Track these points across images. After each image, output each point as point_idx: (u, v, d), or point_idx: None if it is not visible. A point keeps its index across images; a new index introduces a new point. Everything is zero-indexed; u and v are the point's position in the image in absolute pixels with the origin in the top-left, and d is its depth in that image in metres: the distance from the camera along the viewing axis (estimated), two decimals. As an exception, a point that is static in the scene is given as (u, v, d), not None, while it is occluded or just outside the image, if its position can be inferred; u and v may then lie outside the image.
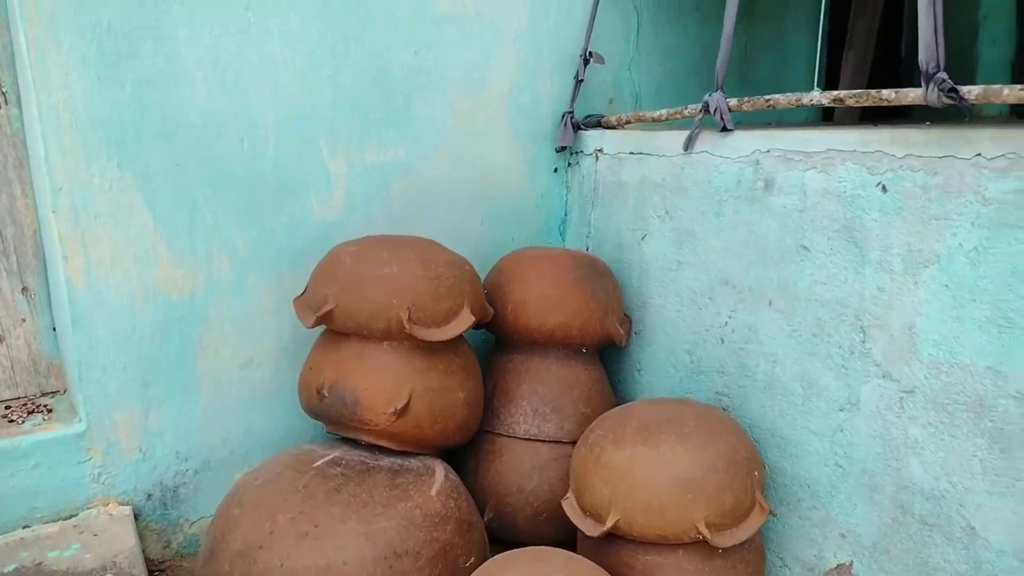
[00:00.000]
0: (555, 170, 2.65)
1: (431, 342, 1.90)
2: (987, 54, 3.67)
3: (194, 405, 2.11)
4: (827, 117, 3.55)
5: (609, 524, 1.75)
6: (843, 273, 1.77)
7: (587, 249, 2.62)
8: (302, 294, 2.04)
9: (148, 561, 2.10)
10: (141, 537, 2.09)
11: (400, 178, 2.34)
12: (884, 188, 1.68)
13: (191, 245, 2.05)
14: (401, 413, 1.89)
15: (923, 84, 1.57)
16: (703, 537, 1.70)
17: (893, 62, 3.76)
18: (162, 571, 2.09)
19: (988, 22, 3.69)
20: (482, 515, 2.13)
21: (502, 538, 2.21)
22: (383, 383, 1.89)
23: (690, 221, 2.18)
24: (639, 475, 1.74)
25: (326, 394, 1.92)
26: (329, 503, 1.75)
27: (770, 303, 1.96)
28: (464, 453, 2.23)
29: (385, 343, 1.92)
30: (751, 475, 1.79)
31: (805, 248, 1.86)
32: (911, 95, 1.62)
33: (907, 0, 3.75)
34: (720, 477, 1.73)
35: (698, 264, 2.16)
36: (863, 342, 1.75)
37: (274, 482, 1.82)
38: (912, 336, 1.64)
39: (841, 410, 1.81)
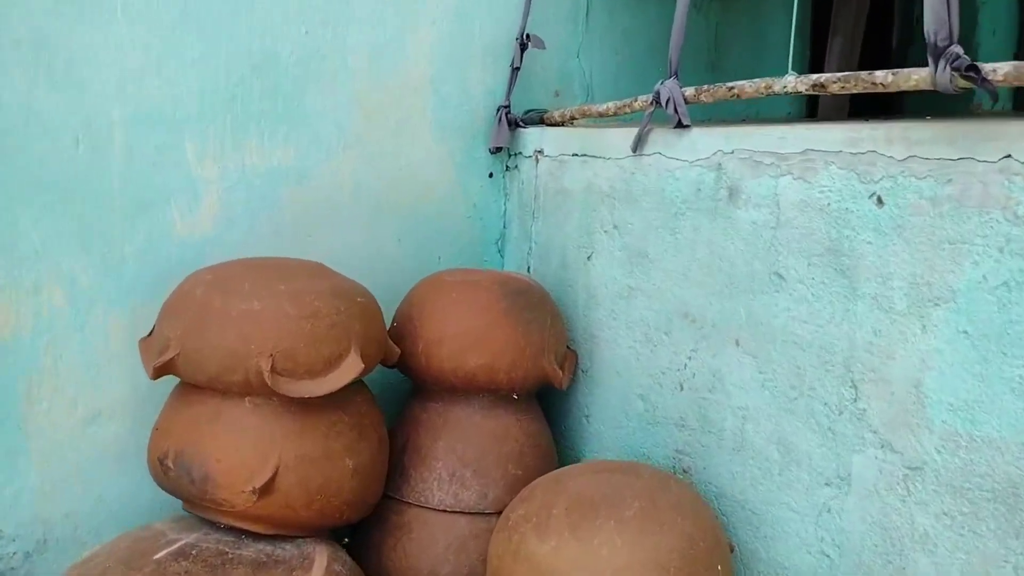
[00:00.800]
0: (490, 175, 2.24)
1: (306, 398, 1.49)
2: (988, 42, 3.29)
3: (23, 472, 1.69)
4: (811, 115, 3.15)
5: (529, 640, 1.34)
6: (828, 310, 1.37)
7: (528, 269, 2.21)
8: (149, 334, 1.63)
9: (-34, 669, 1.68)
10: (-44, 639, 1.66)
11: (291, 185, 1.92)
12: (880, 200, 1.27)
13: (11, 275, 1.63)
14: (264, 491, 1.47)
15: (931, 62, 1.17)
16: (647, 659, 1.30)
17: (882, 54, 3.38)
18: None
19: (988, 7, 3.31)
20: (386, 605, 1.72)
21: (414, 630, 1.79)
22: (240, 452, 1.47)
23: (642, 238, 1.77)
24: (566, 576, 1.33)
25: (170, 465, 1.50)
26: (159, 617, 1.33)
27: (737, 343, 1.55)
28: (367, 523, 1.81)
29: (247, 399, 1.51)
30: (712, 571, 1.39)
31: (779, 276, 1.45)
32: (914, 77, 1.21)
33: (898, -17, 3.37)
34: (671, 578, 1.33)
35: (652, 291, 1.75)
36: (855, 400, 1.34)
37: (97, 583, 1.40)
38: (920, 396, 1.24)
39: (828, 484, 1.40)
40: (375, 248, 2.06)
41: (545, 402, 2.05)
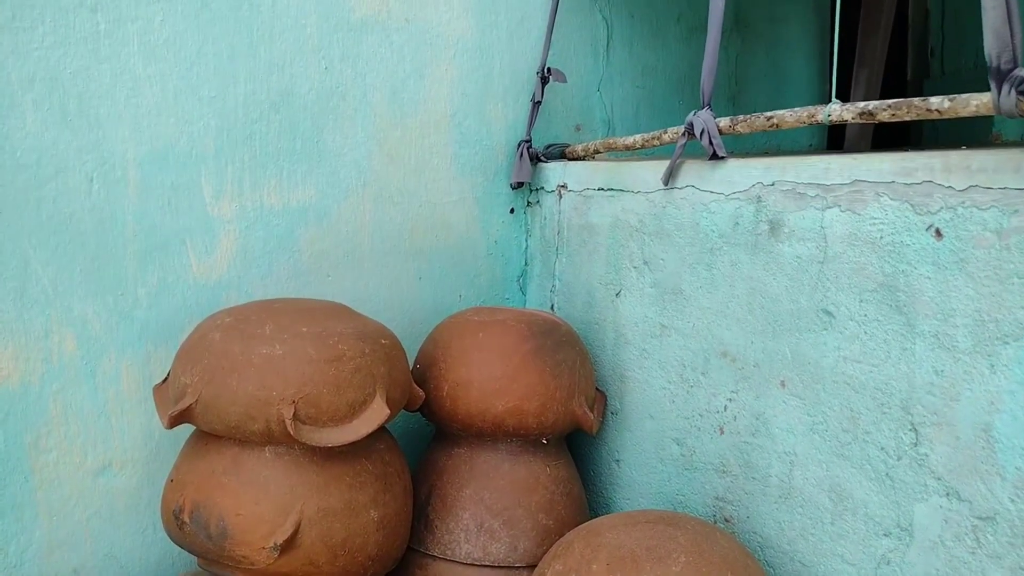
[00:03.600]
0: (511, 211, 2.19)
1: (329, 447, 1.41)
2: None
3: (29, 528, 1.60)
4: (833, 147, 3.11)
5: None
6: (883, 348, 1.29)
7: (552, 307, 2.14)
8: (163, 380, 1.55)
9: None
10: None
11: (310, 226, 1.86)
12: (938, 233, 1.21)
13: (20, 318, 1.56)
14: (286, 548, 1.38)
15: (993, 86, 1.11)
16: None
17: (898, 87, 3.35)
18: None
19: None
20: (411, 666, 1.62)
21: None
22: (260, 506, 1.39)
23: (675, 275, 1.70)
24: (611, 640, 1.24)
25: (186, 520, 1.42)
26: None
27: (783, 384, 1.48)
28: (391, 578, 1.71)
29: (267, 449, 1.43)
30: (767, 631, 1.29)
31: (828, 313, 1.38)
32: (974, 103, 1.16)
33: (912, 16, 3.36)
34: (724, 640, 1.23)
35: (687, 330, 1.68)
36: (915, 444, 1.26)
37: (107, 650, 1.31)
38: (989, 441, 1.16)
39: (887, 535, 1.31)
40: (395, 287, 1.99)
41: (573, 445, 1.97)
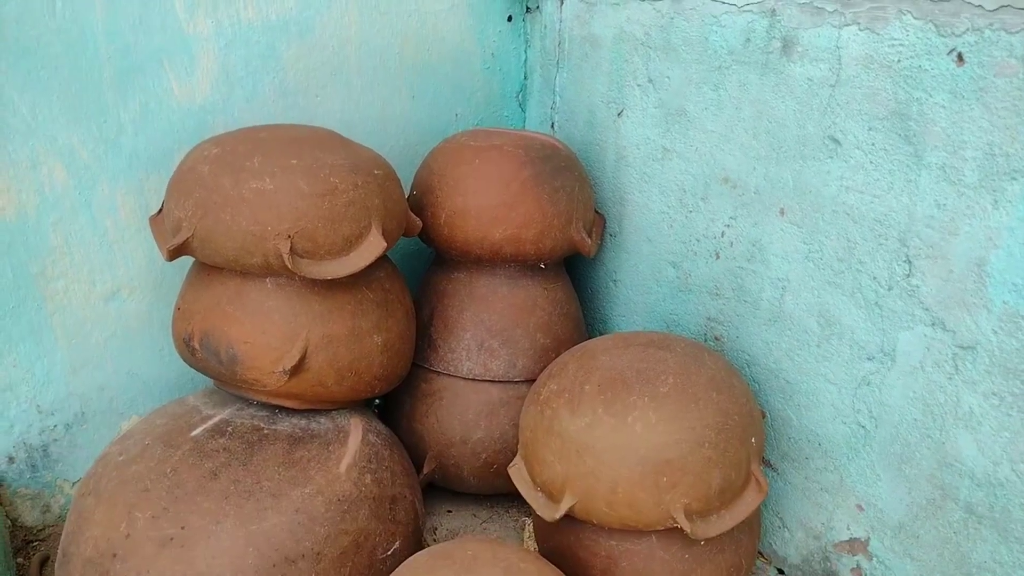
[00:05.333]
0: (509, 19, 2.04)
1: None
2: None
3: (50, 350, 1.68)
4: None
5: (563, 509, 1.37)
6: (887, 179, 1.26)
7: (552, 126, 2.06)
8: (159, 211, 1.55)
9: (24, 529, 1.76)
10: (11, 504, 1.74)
11: (293, 41, 1.75)
12: (960, 58, 1.13)
13: (5, 150, 1.52)
14: (295, 372, 1.45)
15: None
16: (681, 528, 1.33)
17: None
18: (42, 540, 1.76)
19: None
20: (419, 468, 1.77)
21: (446, 487, 1.86)
22: (267, 335, 1.44)
23: (680, 95, 1.62)
24: (601, 453, 1.34)
25: (196, 347, 1.48)
26: (202, 495, 1.36)
27: (782, 212, 1.46)
28: (398, 390, 1.82)
29: (268, 279, 1.45)
30: (747, 444, 1.39)
31: (835, 140, 1.33)
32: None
33: None
34: (706, 453, 1.33)
35: (689, 154, 1.63)
36: (908, 276, 1.27)
37: (138, 461, 1.43)
38: (981, 275, 1.17)
39: (870, 359, 1.37)
40: (387, 107, 1.91)
41: (571, 266, 2.00)
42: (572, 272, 1.99)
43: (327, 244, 1.41)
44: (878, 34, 1.22)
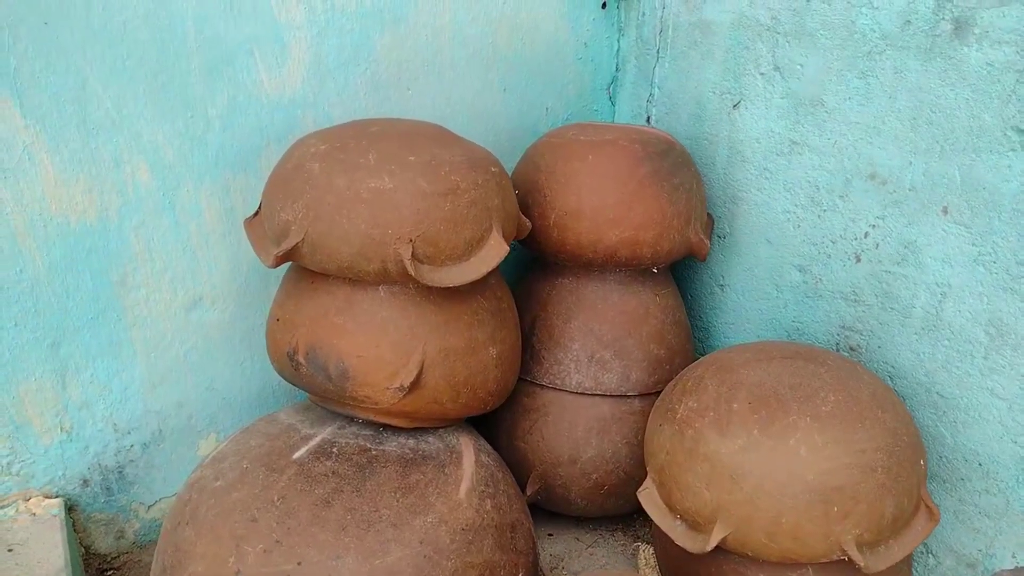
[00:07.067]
0: (603, 5, 1.91)
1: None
2: None
3: (129, 365, 1.55)
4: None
5: (715, 541, 1.24)
6: (1091, 173, 1.13)
7: (648, 121, 1.94)
8: (255, 213, 1.42)
9: (98, 557, 1.64)
10: (84, 531, 1.61)
11: (387, 29, 1.62)
12: None
13: (87, 147, 1.40)
14: (411, 388, 1.32)
15: None
16: (852, 560, 1.20)
17: None
18: (116, 568, 1.63)
19: None
20: (523, 489, 1.64)
21: (548, 509, 1.73)
22: (380, 348, 1.31)
23: (816, 84, 1.49)
24: (760, 479, 1.21)
25: (301, 361, 1.35)
26: (316, 526, 1.23)
27: (945, 211, 1.33)
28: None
29: (381, 287, 1.32)
30: (916, 467, 1.26)
31: (1020, 132, 1.20)
32: None
33: None
34: (879, 479, 1.20)
35: (825, 147, 1.50)
36: (1112, 281, 1.14)
37: (239, 488, 1.30)
38: None
39: (1053, 373, 1.23)
40: (479, 100, 1.79)
41: (672, 271, 1.87)
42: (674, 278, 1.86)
43: (448, 248, 1.29)
44: (1085, 11, 1.09)
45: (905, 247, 1.40)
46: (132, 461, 1.62)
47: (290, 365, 1.38)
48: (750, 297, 1.75)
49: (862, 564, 1.18)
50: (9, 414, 1.47)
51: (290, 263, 1.44)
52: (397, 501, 1.29)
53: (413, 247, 1.25)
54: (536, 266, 1.73)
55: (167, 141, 1.46)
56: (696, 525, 1.28)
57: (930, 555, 1.49)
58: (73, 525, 1.58)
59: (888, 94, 1.37)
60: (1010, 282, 1.26)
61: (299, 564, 1.19)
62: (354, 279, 1.31)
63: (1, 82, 1.30)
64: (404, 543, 1.23)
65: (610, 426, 1.60)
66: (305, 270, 1.38)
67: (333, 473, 1.32)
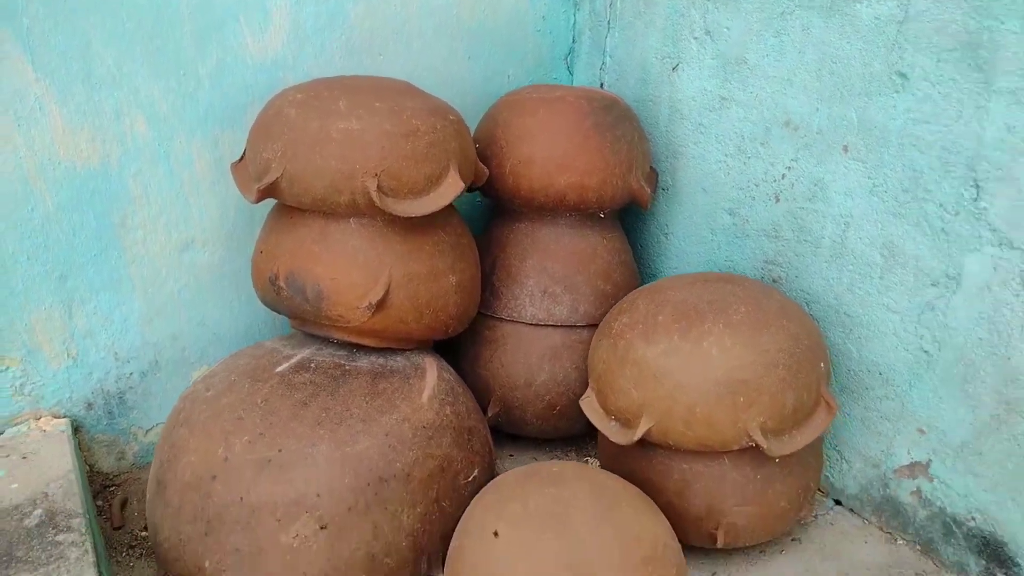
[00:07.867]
0: (559, -17, 2.10)
1: (411, 217, 1.49)
2: None
3: (128, 299, 1.73)
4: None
5: (640, 432, 1.43)
6: (955, 108, 1.32)
7: (602, 86, 2.12)
8: (240, 158, 1.60)
9: (101, 475, 1.81)
10: (88, 450, 1.79)
11: (360, 0, 1.81)
12: (1031, -17, 1.19)
13: (91, 100, 1.57)
14: (378, 308, 1.51)
15: None
16: (758, 446, 1.38)
17: None
18: (117, 485, 1.81)
19: None
20: (485, 411, 1.82)
21: (509, 432, 1.91)
22: (352, 272, 1.49)
23: (740, 44, 1.68)
24: (679, 377, 1.39)
25: (282, 285, 1.53)
26: (295, 421, 1.42)
27: (846, 149, 1.52)
28: (461, 338, 1.88)
29: (352, 220, 1.51)
30: (816, 368, 1.45)
31: (902, 75, 1.39)
32: None
33: None
34: (780, 374, 1.39)
35: (749, 101, 1.69)
36: (975, 199, 1.33)
37: (228, 395, 1.48)
38: (1051, 192, 1.23)
39: (934, 285, 1.43)
40: (445, 67, 1.97)
41: (622, 221, 2.05)
42: (624, 228, 2.04)
43: (410, 183, 1.47)
44: (946, -32, 1.28)
45: (815, 185, 1.59)
46: (131, 388, 1.79)
47: (272, 290, 1.56)
48: (690, 242, 1.94)
49: (765, 446, 1.37)
50: (22, 339, 1.64)
51: (272, 204, 1.63)
52: (366, 403, 1.47)
53: (378, 181, 1.43)
54: (496, 214, 1.92)
55: (162, 97, 1.64)
56: (627, 422, 1.47)
57: (843, 461, 1.68)
58: (78, 445, 1.76)
59: (798, 49, 1.56)
60: (898, 208, 1.45)
61: (280, 451, 1.38)
62: (327, 212, 1.49)
63: (16, 40, 1.48)
64: (371, 435, 1.41)
65: (561, 353, 1.79)
66: (284, 208, 1.57)
67: (311, 382, 1.51)
